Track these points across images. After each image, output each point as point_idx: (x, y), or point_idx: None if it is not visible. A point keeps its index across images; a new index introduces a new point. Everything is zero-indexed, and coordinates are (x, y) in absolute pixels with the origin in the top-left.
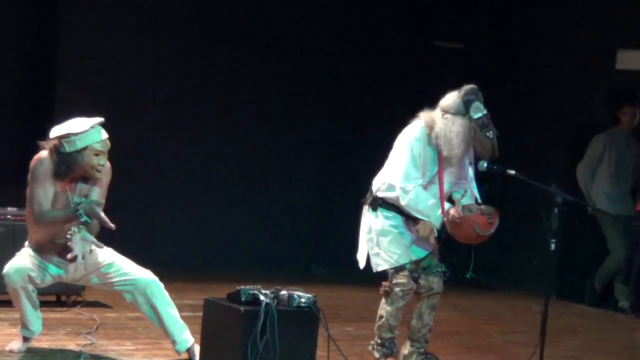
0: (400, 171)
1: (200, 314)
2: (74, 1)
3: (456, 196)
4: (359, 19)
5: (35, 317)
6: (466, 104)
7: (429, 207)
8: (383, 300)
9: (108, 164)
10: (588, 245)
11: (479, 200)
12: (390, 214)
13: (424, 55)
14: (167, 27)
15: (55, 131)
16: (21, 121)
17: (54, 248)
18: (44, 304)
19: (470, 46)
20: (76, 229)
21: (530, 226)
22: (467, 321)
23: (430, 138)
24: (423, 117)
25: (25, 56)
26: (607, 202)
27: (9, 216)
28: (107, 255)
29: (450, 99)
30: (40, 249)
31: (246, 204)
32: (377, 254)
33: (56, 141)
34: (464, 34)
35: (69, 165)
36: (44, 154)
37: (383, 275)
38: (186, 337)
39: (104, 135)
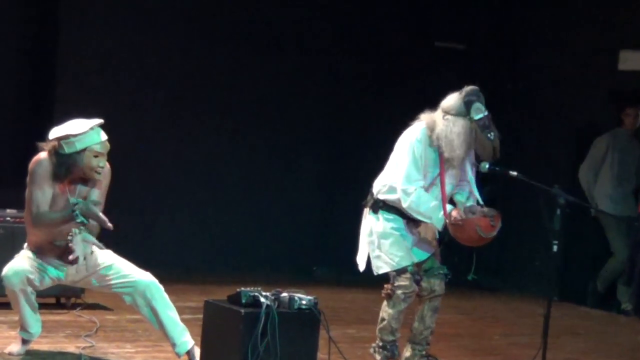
0: (402, 173)
1: (201, 316)
2: (74, 1)
3: (458, 198)
4: (359, 19)
5: (34, 320)
6: (467, 105)
7: (431, 209)
8: (385, 302)
9: (108, 166)
10: (590, 247)
11: (481, 202)
12: (392, 216)
13: (424, 55)
14: (167, 27)
15: (55, 132)
16: (21, 121)
17: (53, 250)
18: (43, 306)
19: (470, 46)
20: (77, 230)
21: (533, 227)
22: (468, 323)
23: (432, 139)
24: (424, 119)
25: (25, 56)
26: (610, 203)
27: (8, 218)
28: (106, 257)
29: (452, 100)
30: (39, 251)
31: (246, 204)
32: (378, 257)
33: (55, 143)
34: (464, 34)
35: (68, 167)
36: (43, 155)
37: (385, 277)
38: (186, 340)
39: (104, 136)
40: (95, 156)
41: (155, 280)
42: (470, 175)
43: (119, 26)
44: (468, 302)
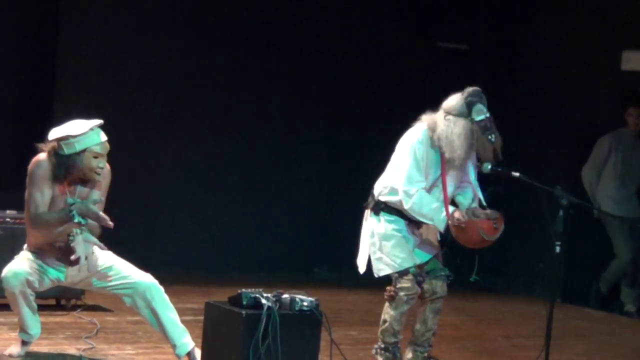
0: (403, 174)
1: (202, 317)
2: (74, 1)
3: (459, 199)
4: (359, 19)
5: (33, 321)
6: (469, 106)
7: (433, 211)
8: (387, 304)
9: (107, 167)
10: (593, 248)
11: (484, 203)
12: (393, 217)
13: (424, 55)
14: (167, 27)
15: (54, 133)
16: (21, 121)
17: (53, 251)
18: (43, 308)
19: (470, 46)
20: (78, 231)
21: (535, 229)
22: (471, 325)
23: (433, 140)
24: (425, 120)
25: (25, 56)
26: (613, 204)
27: (8, 219)
28: (106, 258)
29: (454, 100)
30: (39, 252)
31: (246, 204)
32: (380, 259)
33: (55, 143)
34: (464, 33)
35: (67, 168)
36: (42, 156)
37: (387, 278)
38: (186, 342)
39: (103, 137)
40: (95, 157)
41: (156, 282)
42: (473, 176)
43: (119, 26)
44: (470, 303)
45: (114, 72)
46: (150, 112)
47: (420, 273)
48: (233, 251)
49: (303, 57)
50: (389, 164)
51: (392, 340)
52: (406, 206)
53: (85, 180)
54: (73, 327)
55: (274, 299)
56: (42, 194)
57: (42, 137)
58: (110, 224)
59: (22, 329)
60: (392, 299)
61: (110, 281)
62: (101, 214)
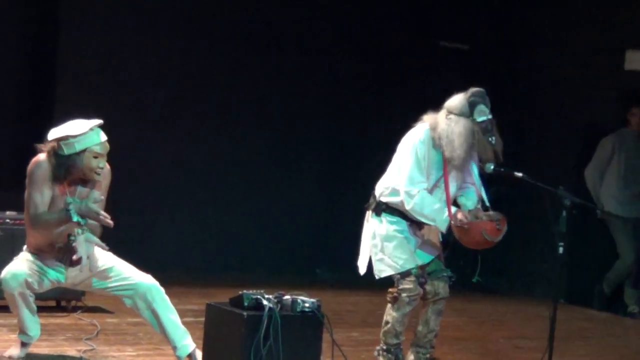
0: (405, 175)
1: (203, 319)
2: (74, 1)
3: (462, 200)
4: (359, 19)
5: (33, 323)
6: (471, 106)
7: (434, 211)
8: (389, 305)
9: (107, 167)
10: (597, 249)
11: (487, 204)
12: (395, 218)
13: (424, 55)
14: (167, 27)
15: (54, 133)
16: (21, 121)
17: (53, 252)
18: (43, 309)
19: (470, 46)
20: (79, 231)
21: (538, 229)
22: (473, 326)
23: (435, 140)
24: (427, 120)
25: (25, 56)
26: (616, 204)
27: (7, 220)
28: (106, 259)
29: (456, 99)
30: (39, 253)
31: (246, 204)
32: (381, 260)
33: (54, 144)
34: (464, 33)
35: (67, 168)
36: (42, 156)
37: (389, 279)
38: (187, 343)
39: (103, 137)
40: (95, 157)
41: (156, 283)
42: (477, 177)
43: (119, 26)
44: (473, 305)
45: (114, 72)
46: (150, 112)
47: (422, 274)
48: (233, 251)
49: (303, 57)
50: (391, 164)
51: (395, 341)
52: (408, 207)
53: (85, 181)
54: (73, 329)
55: (276, 300)
56: (42, 195)
57: (42, 137)
58: (110, 222)
59: (22, 331)
60: (394, 300)
61: (111, 282)
62: (101, 212)
